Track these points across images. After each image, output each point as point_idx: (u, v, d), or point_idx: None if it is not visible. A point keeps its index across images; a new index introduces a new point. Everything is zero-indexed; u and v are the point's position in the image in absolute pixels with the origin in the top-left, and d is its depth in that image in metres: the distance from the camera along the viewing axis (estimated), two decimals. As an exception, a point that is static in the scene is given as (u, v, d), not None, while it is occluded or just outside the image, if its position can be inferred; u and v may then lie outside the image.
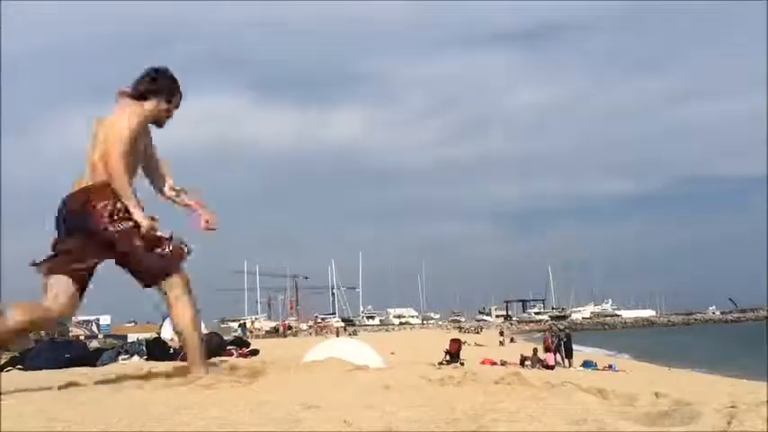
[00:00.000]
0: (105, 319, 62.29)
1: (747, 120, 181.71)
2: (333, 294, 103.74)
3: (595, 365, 22.00)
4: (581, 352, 26.55)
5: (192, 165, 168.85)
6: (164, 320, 9.89)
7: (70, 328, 59.32)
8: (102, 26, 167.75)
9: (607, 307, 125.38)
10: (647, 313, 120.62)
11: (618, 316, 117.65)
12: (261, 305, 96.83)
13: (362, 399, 3.16)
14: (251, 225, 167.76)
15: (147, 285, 3.88)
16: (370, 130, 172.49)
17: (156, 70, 4.03)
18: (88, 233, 3.69)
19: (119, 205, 3.66)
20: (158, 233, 3.73)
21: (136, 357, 8.09)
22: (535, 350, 22.19)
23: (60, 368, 6.41)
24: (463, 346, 22.32)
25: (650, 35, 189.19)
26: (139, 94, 3.93)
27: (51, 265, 3.74)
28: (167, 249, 3.78)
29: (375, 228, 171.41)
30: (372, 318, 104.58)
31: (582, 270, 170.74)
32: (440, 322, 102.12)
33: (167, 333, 8.92)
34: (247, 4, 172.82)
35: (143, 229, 3.66)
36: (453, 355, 20.32)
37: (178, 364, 7.06)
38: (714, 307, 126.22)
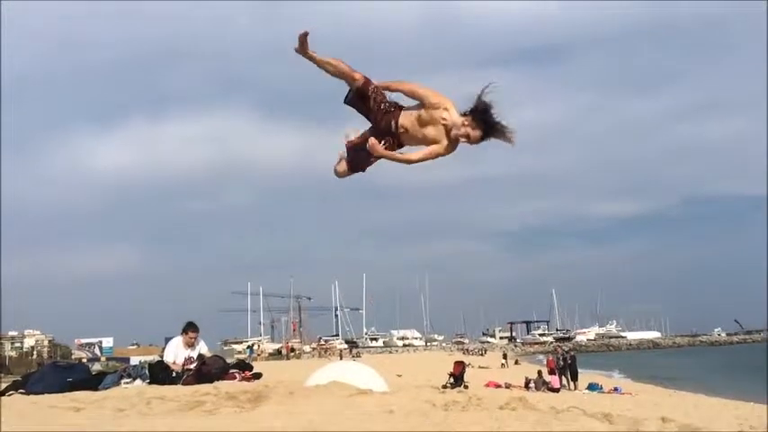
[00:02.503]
0: (108, 342, 62.08)
1: (747, 139, 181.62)
2: (336, 316, 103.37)
3: (601, 388, 21.81)
4: (585, 374, 26.37)
5: (197, 184, 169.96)
6: (167, 343, 9.83)
7: (73, 351, 59.22)
8: (106, 49, 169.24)
9: (612, 328, 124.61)
10: (652, 335, 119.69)
11: (623, 337, 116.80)
12: (264, 327, 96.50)
13: (366, 424, 3.13)
14: (254, 245, 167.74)
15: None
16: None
17: None
18: None
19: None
20: None
21: (138, 381, 8.01)
22: (540, 372, 22.01)
23: (62, 392, 6.37)
24: (467, 369, 22.15)
25: (651, 55, 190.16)
26: None
27: None
28: None
29: (379, 248, 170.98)
30: (376, 339, 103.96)
31: (586, 291, 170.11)
32: (443, 344, 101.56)
33: (170, 356, 8.86)
34: (252, 27, 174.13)
35: None
36: (457, 377, 20.17)
37: (181, 387, 7.03)
38: (720, 328, 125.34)
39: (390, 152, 4.46)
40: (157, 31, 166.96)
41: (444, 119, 4.35)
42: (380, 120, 4.50)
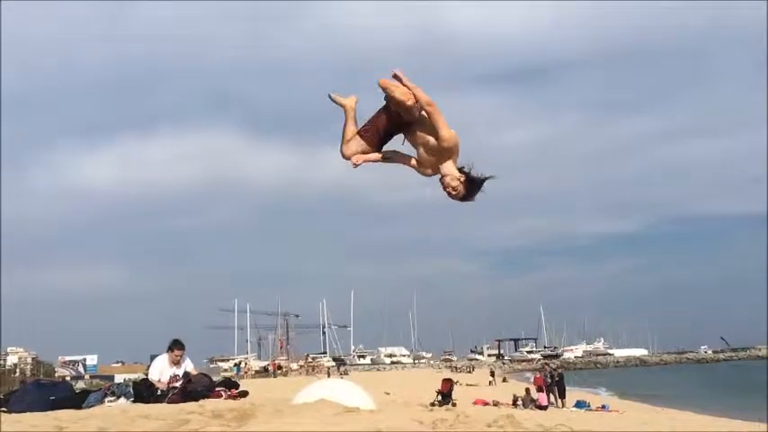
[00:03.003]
0: (92, 359, 61.38)
1: (732, 159, 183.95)
2: (324, 333, 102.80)
3: (589, 406, 21.78)
4: (573, 391, 26.34)
5: (185, 201, 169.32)
6: (152, 360, 9.73)
7: (56, 369, 58.45)
8: (96, 67, 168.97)
9: (599, 346, 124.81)
10: (639, 352, 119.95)
11: (610, 354, 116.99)
12: (251, 344, 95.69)
13: (353, 443, 3.10)
14: (242, 263, 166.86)
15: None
16: (363, 169, 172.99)
17: None
18: None
19: None
20: None
21: (123, 399, 7.90)
22: (528, 390, 21.96)
23: (45, 411, 6.28)
24: (455, 386, 22.07)
25: (638, 76, 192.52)
26: None
27: None
28: None
29: (367, 266, 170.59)
30: (363, 357, 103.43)
31: (574, 308, 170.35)
32: (431, 361, 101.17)
33: (155, 374, 8.76)
34: (242, 45, 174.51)
35: None
36: (445, 395, 20.08)
37: (166, 406, 6.94)
38: (706, 346, 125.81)
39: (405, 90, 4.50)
40: (145, 49, 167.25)
41: (446, 166, 4.56)
42: (406, 113, 4.55)
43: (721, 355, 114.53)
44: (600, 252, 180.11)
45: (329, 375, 45.13)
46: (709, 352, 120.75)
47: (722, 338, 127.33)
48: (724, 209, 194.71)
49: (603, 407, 21.91)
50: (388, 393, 21.88)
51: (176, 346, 8.95)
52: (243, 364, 65.72)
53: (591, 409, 20.79)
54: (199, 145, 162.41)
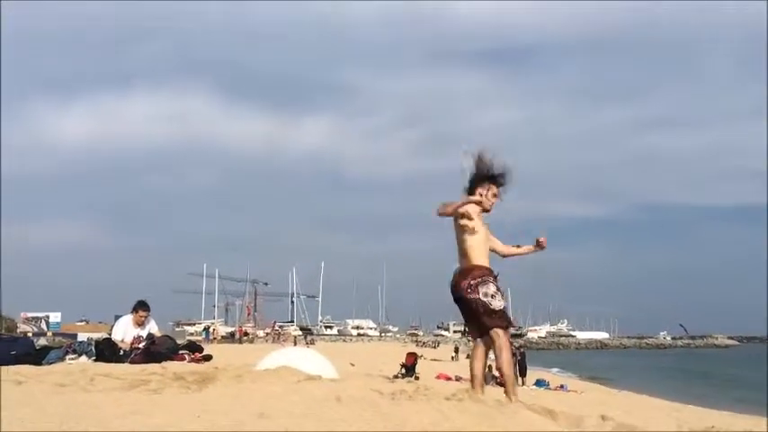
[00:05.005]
0: (56, 317, 60.61)
1: (703, 152, 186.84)
2: (292, 302, 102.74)
3: (548, 385, 22.19)
4: (534, 370, 26.83)
5: (158, 162, 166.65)
6: (116, 320, 9.65)
7: (18, 325, 57.68)
8: (71, 20, 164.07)
9: (563, 327, 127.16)
10: (601, 335, 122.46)
11: (573, 336, 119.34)
12: (218, 309, 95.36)
13: (312, 410, 3.13)
14: (213, 227, 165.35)
15: (481, 334, 5.01)
16: (340, 139, 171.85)
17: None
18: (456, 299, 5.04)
19: (472, 282, 4.91)
20: (494, 307, 4.88)
21: (84, 358, 7.84)
22: (490, 367, 22.29)
23: (7, 365, 6.21)
24: (419, 360, 22.31)
25: (621, 65, 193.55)
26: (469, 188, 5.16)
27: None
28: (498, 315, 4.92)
29: (339, 238, 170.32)
30: (331, 327, 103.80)
31: (540, 290, 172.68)
32: (398, 335, 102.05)
33: (118, 334, 8.71)
34: (222, 5, 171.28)
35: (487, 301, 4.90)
36: (409, 368, 20.29)
37: (128, 366, 6.91)
38: (665, 332, 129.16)
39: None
40: (126, 6, 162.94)
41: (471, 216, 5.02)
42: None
43: (679, 342, 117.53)
44: (571, 236, 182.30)
45: (296, 344, 45.28)
46: (668, 338, 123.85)
47: (681, 325, 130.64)
48: (694, 200, 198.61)
49: (562, 386, 22.35)
50: (353, 365, 22.05)
51: (141, 307, 8.90)
52: (212, 329, 65.60)
53: (550, 389, 21.19)
54: (175, 106, 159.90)
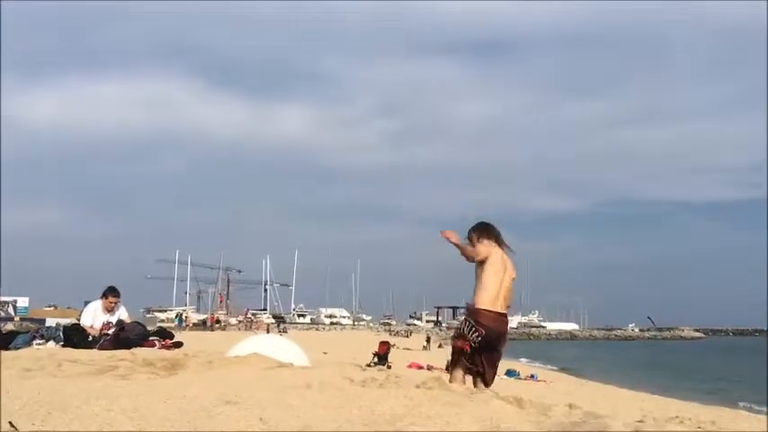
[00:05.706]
0: (23, 302, 59.75)
1: (674, 147, 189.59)
2: (265, 290, 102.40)
3: (518, 374, 22.45)
4: (505, 360, 27.08)
5: (131, 146, 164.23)
6: (85, 306, 9.53)
7: (-15, 309, 56.68)
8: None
9: (534, 318, 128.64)
10: (571, 326, 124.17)
11: (543, 327, 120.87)
12: (190, 297, 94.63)
13: (282, 397, 3.13)
14: (185, 214, 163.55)
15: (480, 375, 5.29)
16: (317, 129, 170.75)
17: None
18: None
19: None
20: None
21: (52, 343, 7.74)
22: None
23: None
24: (392, 349, 22.41)
25: (592, 60, 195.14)
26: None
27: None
28: None
29: (313, 226, 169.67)
30: (303, 316, 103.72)
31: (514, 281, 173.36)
32: (371, 324, 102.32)
33: (87, 320, 8.60)
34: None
35: None
36: (381, 357, 20.39)
37: (96, 352, 6.84)
38: (633, 324, 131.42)
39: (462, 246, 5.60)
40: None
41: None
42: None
43: (647, 334, 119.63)
44: (543, 228, 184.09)
45: (268, 332, 45.17)
46: (636, 330, 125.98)
47: (649, 318, 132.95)
48: (664, 194, 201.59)
49: (532, 376, 22.63)
50: (326, 353, 22.08)
51: (111, 292, 8.80)
52: (184, 316, 65.14)
53: (520, 378, 21.44)
54: (147, 90, 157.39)
